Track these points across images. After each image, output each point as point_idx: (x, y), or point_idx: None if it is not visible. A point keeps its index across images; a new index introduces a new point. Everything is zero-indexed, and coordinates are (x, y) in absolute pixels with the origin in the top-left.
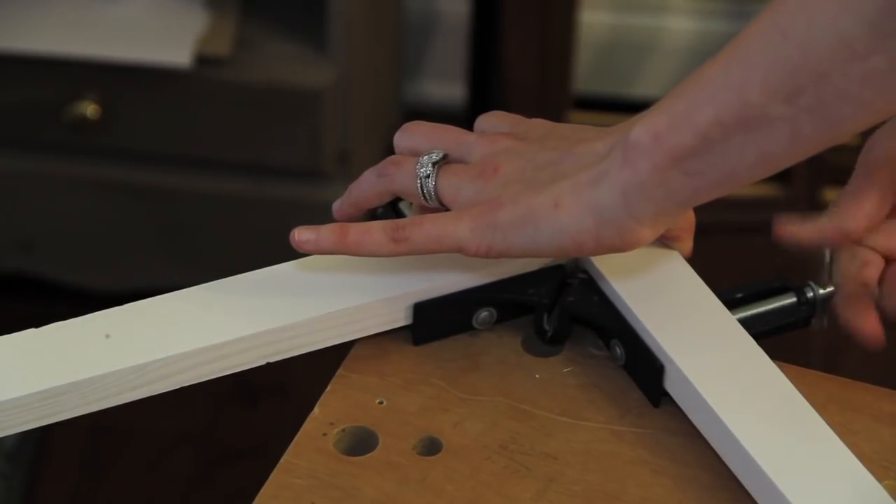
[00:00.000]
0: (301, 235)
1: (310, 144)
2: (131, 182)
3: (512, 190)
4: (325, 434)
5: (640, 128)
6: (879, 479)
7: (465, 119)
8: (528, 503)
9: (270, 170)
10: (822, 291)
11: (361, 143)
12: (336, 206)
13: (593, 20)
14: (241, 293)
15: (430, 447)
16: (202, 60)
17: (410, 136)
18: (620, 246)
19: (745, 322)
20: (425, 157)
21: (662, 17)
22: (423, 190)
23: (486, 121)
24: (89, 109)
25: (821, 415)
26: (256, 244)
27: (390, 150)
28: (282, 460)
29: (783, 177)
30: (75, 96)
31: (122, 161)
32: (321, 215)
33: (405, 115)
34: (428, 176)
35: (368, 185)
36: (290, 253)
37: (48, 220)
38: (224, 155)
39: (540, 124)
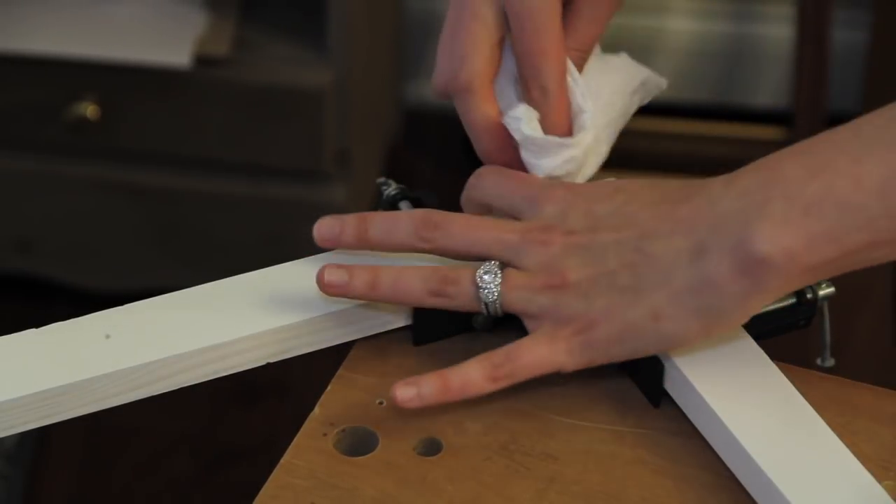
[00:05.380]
0: (403, 393)
1: (309, 145)
2: (131, 182)
3: (599, 304)
4: (325, 434)
5: (768, 246)
6: (879, 479)
7: None
8: (528, 503)
9: (270, 170)
10: (822, 293)
11: (361, 143)
12: (355, 287)
13: None
14: (241, 293)
15: (430, 447)
16: (201, 61)
17: (448, 234)
18: (728, 331)
19: (744, 322)
20: (485, 275)
21: (662, 18)
22: (489, 310)
23: (488, 188)
24: (89, 110)
25: (821, 415)
26: (256, 244)
27: (390, 151)
28: (282, 460)
29: None
30: (75, 97)
31: (121, 161)
32: (320, 216)
33: (405, 116)
34: (495, 298)
35: (416, 295)
36: (289, 253)
37: (48, 220)
38: (224, 155)
39: (571, 205)
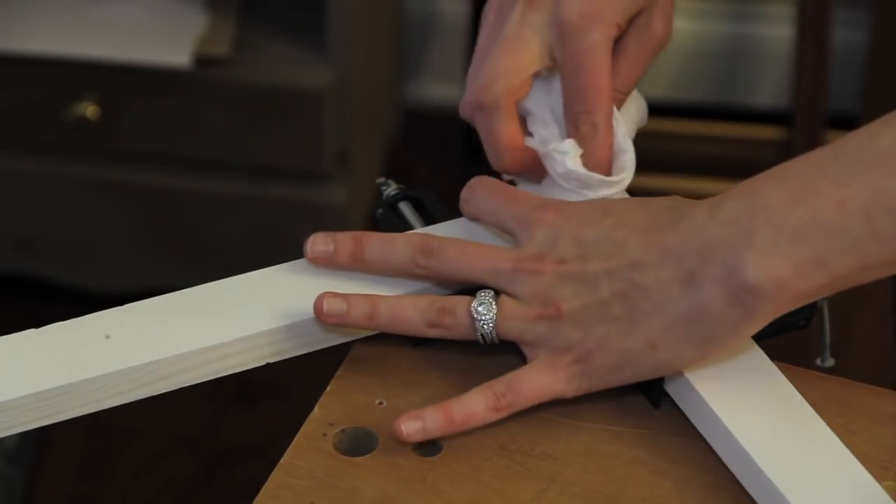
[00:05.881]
0: (408, 427)
1: (309, 145)
2: (131, 182)
3: (595, 334)
4: (324, 434)
5: (759, 275)
6: (879, 479)
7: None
8: (528, 503)
9: (270, 170)
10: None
11: (361, 143)
12: (358, 316)
13: None
14: (241, 293)
15: (430, 448)
16: (201, 61)
17: (443, 262)
18: (723, 354)
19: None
20: (479, 307)
21: None
22: (485, 340)
23: (480, 204)
24: (89, 110)
25: (821, 415)
26: (256, 244)
27: (389, 151)
28: (282, 460)
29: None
30: (75, 97)
31: (121, 161)
32: (320, 216)
33: (405, 116)
34: (490, 329)
35: (414, 326)
36: (289, 253)
37: (48, 220)
38: (224, 155)
39: (561, 230)
